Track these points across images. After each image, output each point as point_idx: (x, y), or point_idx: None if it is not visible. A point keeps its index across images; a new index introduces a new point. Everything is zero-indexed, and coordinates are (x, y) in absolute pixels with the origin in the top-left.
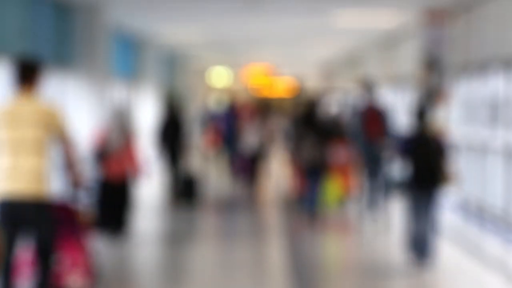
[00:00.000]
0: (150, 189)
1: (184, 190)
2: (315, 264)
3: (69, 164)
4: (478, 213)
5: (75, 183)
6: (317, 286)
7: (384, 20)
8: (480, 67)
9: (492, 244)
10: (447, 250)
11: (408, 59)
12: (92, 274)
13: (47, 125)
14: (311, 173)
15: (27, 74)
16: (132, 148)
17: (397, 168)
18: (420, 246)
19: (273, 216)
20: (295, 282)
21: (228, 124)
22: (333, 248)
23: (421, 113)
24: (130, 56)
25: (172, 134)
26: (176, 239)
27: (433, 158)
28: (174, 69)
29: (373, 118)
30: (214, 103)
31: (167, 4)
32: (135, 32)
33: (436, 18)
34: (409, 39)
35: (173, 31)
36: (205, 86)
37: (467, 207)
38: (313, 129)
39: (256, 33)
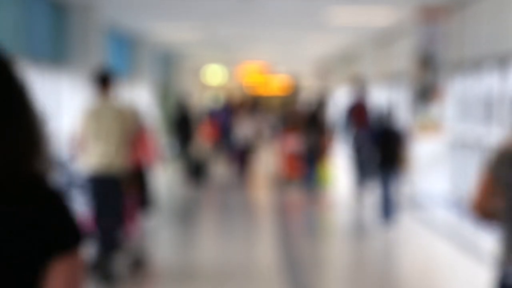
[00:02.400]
0: (166, 172)
1: (194, 173)
2: (302, 227)
3: (137, 146)
4: None
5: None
6: (304, 242)
7: (379, 17)
8: (474, 64)
9: (487, 240)
10: (441, 247)
11: (403, 56)
12: (140, 227)
13: (121, 119)
14: (310, 158)
15: (104, 83)
16: (145, 139)
17: (374, 154)
18: (385, 210)
19: (263, 194)
20: (281, 239)
21: (225, 120)
22: (320, 217)
23: (387, 113)
24: (125, 54)
25: (183, 128)
26: (188, 213)
27: (393, 147)
28: (169, 67)
29: (359, 113)
30: (210, 100)
31: (162, 2)
32: (130, 31)
33: (430, 16)
34: (404, 37)
35: (168, 29)
36: (200, 84)
37: (461, 204)
38: (315, 125)
39: (251, 31)
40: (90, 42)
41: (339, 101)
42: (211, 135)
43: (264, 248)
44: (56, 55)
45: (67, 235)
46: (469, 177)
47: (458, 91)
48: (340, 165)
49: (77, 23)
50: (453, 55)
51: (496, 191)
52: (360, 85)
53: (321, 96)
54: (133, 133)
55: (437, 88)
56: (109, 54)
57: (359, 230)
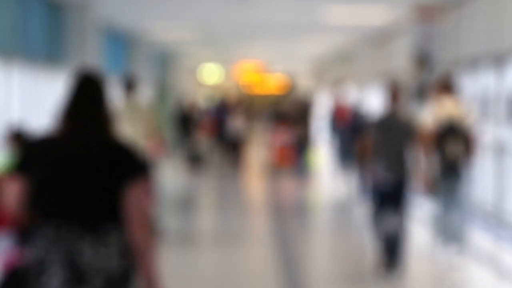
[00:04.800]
0: (169, 162)
1: (194, 162)
2: (290, 204)
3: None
4: (469, 209)
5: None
6: (292, 216)
7: (375, 16)
8: (471, 63)
9: (483, 240)
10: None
11: (399, 55)
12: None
13: (142, 115)
14: (300, 148)
15: (130, 86)
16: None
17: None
18: (362, 191)
19: (256, 180)
20: (274, 215)
21: (222, 117)
22: (306, 196)
23: (363, 112)
24: (121, 54)
25: (183, 125)
26: (189, 196)
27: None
28: (165, 66)
29: (340, 111)
30: (207, 99)
31: (158, 1)
32: (126, 30)
33: (427, 14)
34: (400, 36)
35: (164, 28)
36: (196, 83)
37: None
38: (304, 120)
39: (247, 30)
40: (86, 41)
41: (327, 100)
42: (210, 130)
43: (256, 221)
44: (52, 54)
45: (135, 168)
46: None
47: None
48: (323, 154)
49: (73, 22)
50: (449, 54)
51: (375, 145)
52: (340, 87)
53: (309, 95)
54: (149, 127)
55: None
56: (105, 54)
57: (340, 205)
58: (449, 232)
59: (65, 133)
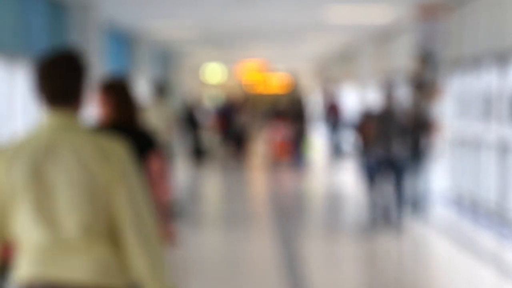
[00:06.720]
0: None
1: (201, 157)
2: (287, 192)
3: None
4: (472, 207)
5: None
6: (290, 205)
7: (378, 15)
8: (473, 61)
9: (486, 238)
10: (441, 244)
11: (402, 54)
12: None
13: (165, 114)
14: (297, 142)
15: (161, 91)
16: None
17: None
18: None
19: (257, 171)
20: (275, 204)
21: (229, 115)
22: (303, 184)
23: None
24: (123, 53)
25: (190, 122)
26: (196, 184)
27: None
28: (168, 65)
29: (333, 107)
30: (213, 99)
31: (160, 0)
32: (129, 29)
33: (429, 13)
34: (403, 34)
35: (167, 27)
36: (199, 82)
37: (460, 201)
38: (300, 117)
39: (250, 29)
40: (88, 41)
41: (320, 98)
42: (218, 128)
43: (258, 207)
44: None
45: (153, 143)
46: (468, 174)
47: (457, 88)
48: (319, 148)
49: (75, 21)
50: (452, 52)
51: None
52: (332, 87)
53: (306, 94)
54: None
55: (436, 85)
56: (108, 52)
57: (333, 192)
58: (411, 202)
59: (107, 121)
